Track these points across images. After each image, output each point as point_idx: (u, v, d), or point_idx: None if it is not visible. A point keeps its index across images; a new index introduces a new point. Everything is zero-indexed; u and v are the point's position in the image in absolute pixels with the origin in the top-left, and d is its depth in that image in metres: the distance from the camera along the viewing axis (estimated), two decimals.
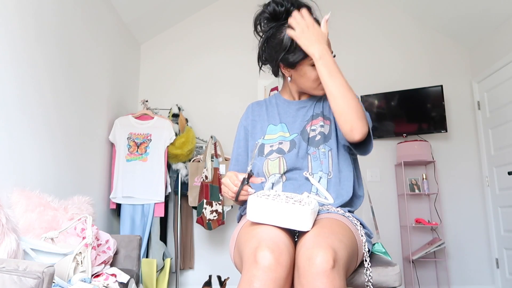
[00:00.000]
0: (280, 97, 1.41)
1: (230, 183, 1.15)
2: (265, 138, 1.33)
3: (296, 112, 1.34)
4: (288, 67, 1.28)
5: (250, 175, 1.14)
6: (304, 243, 0.96)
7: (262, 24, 1.29)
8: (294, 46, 1.22)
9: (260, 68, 1.37)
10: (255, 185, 1.26)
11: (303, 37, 1.18)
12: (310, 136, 1.28)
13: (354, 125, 1.14)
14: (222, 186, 1.20)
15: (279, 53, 1.25)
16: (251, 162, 1.23)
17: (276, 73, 1.35)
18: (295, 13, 1.21)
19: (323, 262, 0.88)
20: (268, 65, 1.36)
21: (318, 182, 1.23)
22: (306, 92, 1.33)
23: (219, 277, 3.02)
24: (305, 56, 1.21)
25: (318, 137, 1.27)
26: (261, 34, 1.30)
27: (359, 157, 1.38)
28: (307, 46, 1.18)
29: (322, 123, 1.30)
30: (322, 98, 1.36)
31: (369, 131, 1.20)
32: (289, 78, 1.32)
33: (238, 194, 1.14)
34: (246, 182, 1.14)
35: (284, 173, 1.26)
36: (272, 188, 1.27)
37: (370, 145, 1.24)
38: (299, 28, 1.19)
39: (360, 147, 1.24)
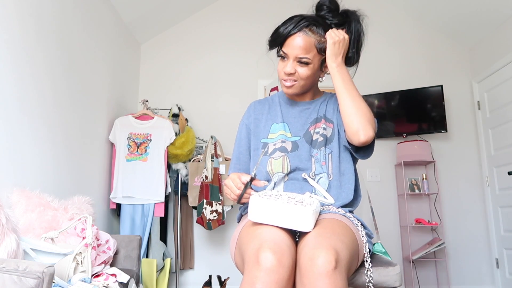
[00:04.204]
0: (283, 96, 1.41)
1: (233, 185, 1.15)
2: (268, 137, 1.33)
3: (299, 113, 1.34)
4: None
5: (253, 178, 1.14)
6: (306, 243, 0.96)
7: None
8: None
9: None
10: (258, 187, 1.25)
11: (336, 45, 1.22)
12: (313, 139, 1.28)
13: (362, 126, 1.15)
14: (225, 188, 1.19)
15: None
16: (256, 167, 1.22)
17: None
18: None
19: (325, 262, 0.89)
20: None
21: (318, 182, 1.23)
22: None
23: (219, 277, 3.02)
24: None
25: (321, 139, 1.28)
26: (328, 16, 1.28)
27: None
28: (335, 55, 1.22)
29: (324, 126, 1.30)
30: (325, 100, 1.36)
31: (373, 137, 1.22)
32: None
33: (241, 197, 1.13)
34: (249, 185, 1.14)
35: (288, 173, 1.26)
36: (274, 188, 1.27)
37: (371, 150, 1.25)
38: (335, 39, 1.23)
39: (361, 151, 1.25)
